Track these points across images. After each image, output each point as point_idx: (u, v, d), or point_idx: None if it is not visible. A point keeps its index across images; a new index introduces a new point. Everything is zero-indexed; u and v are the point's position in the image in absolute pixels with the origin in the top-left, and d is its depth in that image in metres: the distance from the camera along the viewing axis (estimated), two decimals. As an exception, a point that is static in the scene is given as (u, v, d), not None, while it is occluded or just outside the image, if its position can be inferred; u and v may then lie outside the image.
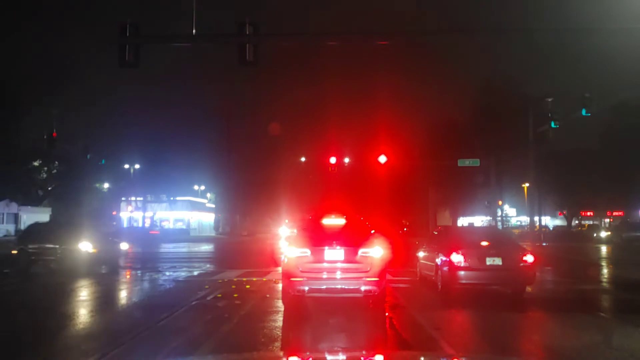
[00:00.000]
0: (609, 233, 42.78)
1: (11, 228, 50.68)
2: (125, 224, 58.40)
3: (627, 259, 23.27)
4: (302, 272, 9.06)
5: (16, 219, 51.60)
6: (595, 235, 44.53)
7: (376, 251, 9.17)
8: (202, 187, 77.60)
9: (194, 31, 13.84)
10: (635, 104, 40.62)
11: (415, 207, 53.38)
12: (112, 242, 18.10)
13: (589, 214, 62.52)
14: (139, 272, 17.44)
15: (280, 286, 10.13)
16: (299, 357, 4.39)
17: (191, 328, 8.03)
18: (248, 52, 13.36)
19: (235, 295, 11.17)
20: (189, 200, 70.94)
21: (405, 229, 54.19)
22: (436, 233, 14.41)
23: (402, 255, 16.91)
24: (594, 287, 13.77)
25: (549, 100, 24.53)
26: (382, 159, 33.60)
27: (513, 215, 78.31)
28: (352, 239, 9.43)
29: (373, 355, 4.20)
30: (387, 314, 9.24)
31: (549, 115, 24.07)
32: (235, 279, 14.06)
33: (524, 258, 10.85)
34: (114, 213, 52.38)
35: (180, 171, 52.47)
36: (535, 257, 11.05)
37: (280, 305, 9.65)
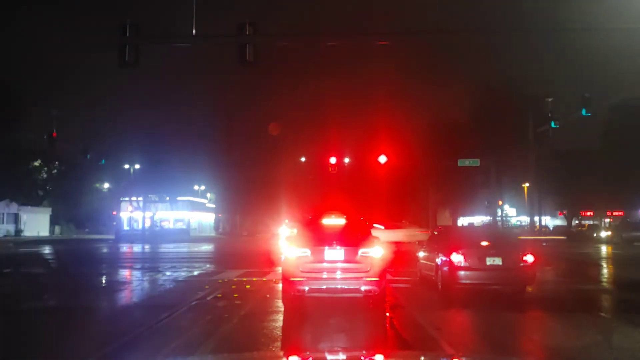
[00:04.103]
0: (609, 233, 42.74)
1: (11, 228, 50.66)
2: (125, 224, 58.28)
3: (627, 259, 23.26)
4: (302, 272, 9.06)
5: (16, 219, 51.57)
6: (595, 235, 44.50)
7: (376, 251, 9.17)
8: (202, 187, 77.59)
9: (194, 31, 13.85)
10: (635, 104, 40.59)
11: (415, 207, 53.32)
12: None
13: (589, 214, 62.43)
14: (138, 272, 17.44)
15: (280, 286, 10.12)
16: (299, 357, 4.39)
17: (191, 328, 8.02)
18: (248, 52, 13.37)
19: (236, 295, 11.17)
20: (189, 200, 70.86)
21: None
22: (436, 233, 14.40)
23: (402, 255, 16.92)
24: (594, 287, 13.76)
25: (549, 100, 24.57)
26: (382, 159, 33.59)
27: (513, 215, 78.27)
28: (352, 239, 9.43)
29: (373, 355, 4.21)
30: (387, 314, 9.24)
31: (549, 115, 24.09)
32: (235, 279, 14.05)
33: (524, 258, 10.84)
34: (114, 213, 52.30)
35: (180, 171, 52.41)
36: (535, 257, 11.05)
37: (280, 305, 9.65)
